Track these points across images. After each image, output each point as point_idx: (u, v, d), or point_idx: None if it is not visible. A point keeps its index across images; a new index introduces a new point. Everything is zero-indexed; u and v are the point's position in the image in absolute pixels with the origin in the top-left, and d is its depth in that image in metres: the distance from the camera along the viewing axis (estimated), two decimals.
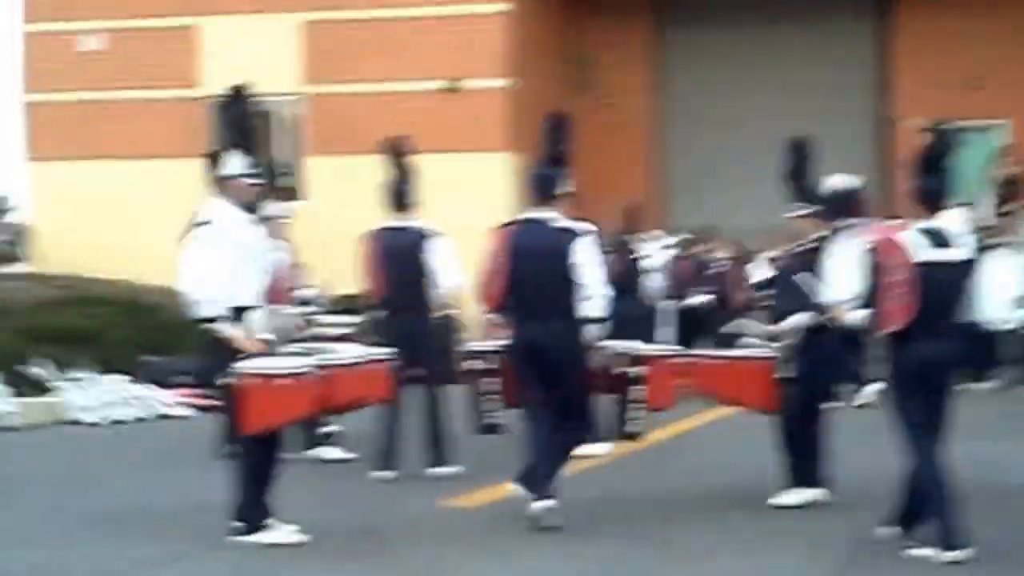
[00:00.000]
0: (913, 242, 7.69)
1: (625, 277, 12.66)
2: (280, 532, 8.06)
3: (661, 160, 26.10)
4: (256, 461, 7.99)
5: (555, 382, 8.74)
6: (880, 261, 7.71)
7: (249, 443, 7.95)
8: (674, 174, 25.99)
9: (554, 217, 8.80)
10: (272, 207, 11.10)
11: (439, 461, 10.67)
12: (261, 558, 7.78)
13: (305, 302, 11.86)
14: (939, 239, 7.71)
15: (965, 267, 7.79)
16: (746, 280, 18.17)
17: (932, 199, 7.86)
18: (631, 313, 12.85)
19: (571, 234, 8.71)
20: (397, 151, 10.89)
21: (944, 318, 7.72)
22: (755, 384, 9.28)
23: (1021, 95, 23.75)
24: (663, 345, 12.83)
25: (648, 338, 12.38)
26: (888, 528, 8.08)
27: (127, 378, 15.29)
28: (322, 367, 8.13)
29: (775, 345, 9.36)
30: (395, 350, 9.27)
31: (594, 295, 8.67)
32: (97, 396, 14.68)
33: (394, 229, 10.77)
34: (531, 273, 8.70)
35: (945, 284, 7.69)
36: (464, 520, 8.96)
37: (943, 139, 8.00)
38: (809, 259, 9.06)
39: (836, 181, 9.46)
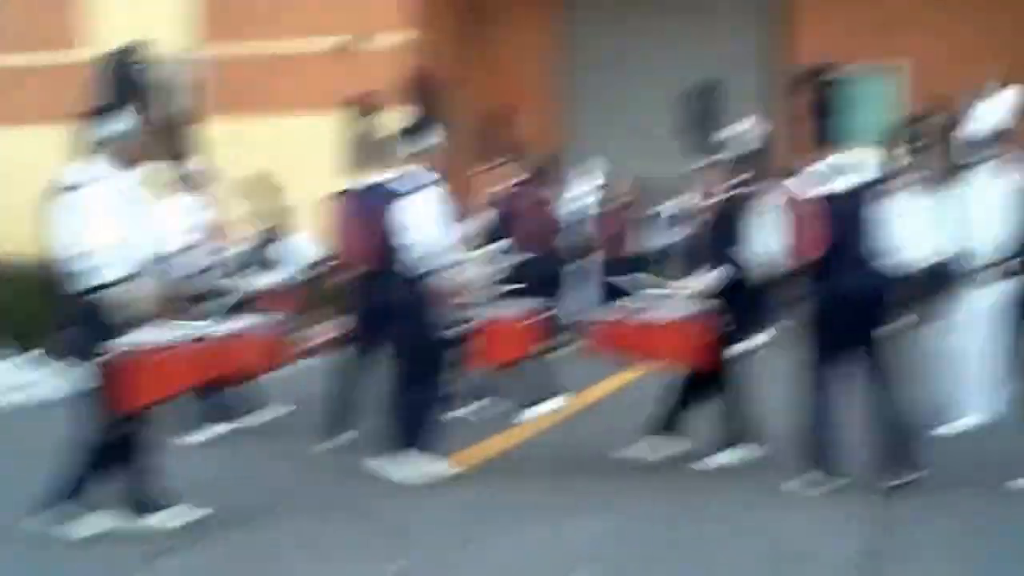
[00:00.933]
0: (814, 178, 8.02)
1: (536, 231, 12.44)
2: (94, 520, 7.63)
3: (563, 109, 25.93)
4: (113, 441, 7.57)
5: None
6: (789, 203, 8.05)
7: (109, 423, 7.52)
8: (584, 123, 25.82)
9: (384, 176, 9.12)
10: (189, 167, 11.19)
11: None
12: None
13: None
14: (838, 173, 8.05)
15: (867, 197, 8.04)
16: (643, 227, 18.09)
17: (827, 139, 8.20)
18: (539, 271, 12.62)
19: (398, 191, 8.86)
20: (363, 108, 10.70)
21: (856, 249, 7.97)
22: (679, 340, 9.06)
23: (921, 38, 23.73)
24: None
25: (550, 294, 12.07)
26: (896, 477, 8.13)
27: (42, 355, 14.68)
28: (204, 338, 7.89)
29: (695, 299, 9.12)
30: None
31: (421, 249, 8.75)
32: (6, 376, 14.18)
33: (367, 187, 10.11)
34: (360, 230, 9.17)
35: (850, 214, 7.98)
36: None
37: (830, 82, 8.34)
38: (729, 210, 8.92)
39: (743, 130, 9.30)
